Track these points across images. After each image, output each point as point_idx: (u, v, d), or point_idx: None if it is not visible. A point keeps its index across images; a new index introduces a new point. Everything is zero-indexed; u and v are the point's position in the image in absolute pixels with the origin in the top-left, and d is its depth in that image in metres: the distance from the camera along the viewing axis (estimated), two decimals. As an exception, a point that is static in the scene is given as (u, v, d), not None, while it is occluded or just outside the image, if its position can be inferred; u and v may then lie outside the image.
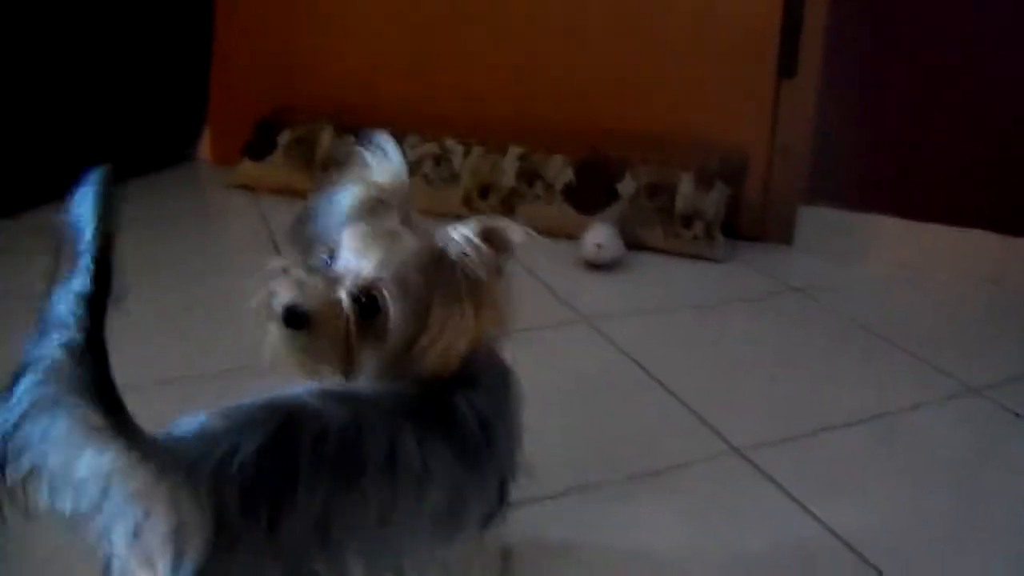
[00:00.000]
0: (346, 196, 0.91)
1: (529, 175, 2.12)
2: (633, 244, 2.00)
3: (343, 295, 0.82)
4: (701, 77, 2.09)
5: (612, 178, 2.08)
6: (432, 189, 2.18)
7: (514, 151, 2.16)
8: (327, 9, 2.39)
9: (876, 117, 2.01)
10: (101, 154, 2.25)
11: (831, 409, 1.41)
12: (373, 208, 0.90)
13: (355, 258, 0.84)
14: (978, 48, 1.91)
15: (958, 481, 1.25)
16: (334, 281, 0.82)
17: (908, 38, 1.96)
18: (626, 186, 2.06)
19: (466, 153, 2.18)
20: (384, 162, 0.94)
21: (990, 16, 1.89)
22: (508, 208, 2.12)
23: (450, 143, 2.20)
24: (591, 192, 2.08)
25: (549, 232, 2.04)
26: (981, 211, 1.97)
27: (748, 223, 2.11)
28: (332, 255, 0.85)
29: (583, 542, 1.10)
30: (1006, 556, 1.10)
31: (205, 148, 2.62)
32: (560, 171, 2.11)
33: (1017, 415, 1.41)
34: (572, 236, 1.97)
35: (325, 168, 2.27)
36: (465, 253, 0.84)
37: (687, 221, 2.01)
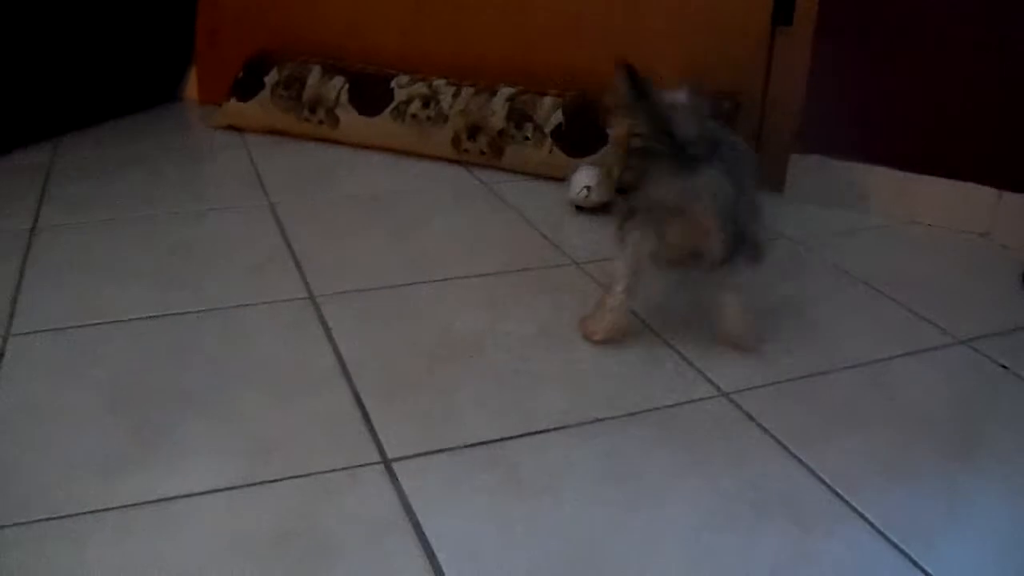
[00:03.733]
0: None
1: (519, 117, 2.09)
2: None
3: None
4: (695, 21, 2.06)
5: (601, 122, 2.04)
6: (420, 129, 2.15)
7: (504, 92, 2.12)
8: None
9: (870, 68, 1.98)
10: (86, 94, 2.24)
11: (819, 358, 1.40)
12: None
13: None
14: (975, 5, 1.89)
15: (945, 432, 1.24)
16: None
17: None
18: (616, 128, 2.02)
19: (455, 94, 2.14)
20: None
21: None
22: (497, 150, 2.10)
23: (439, 83, 2.17)
24: (581, 135, 2.05)
25: (539, 174, 2.05)
26: (974, 164, 1.95)
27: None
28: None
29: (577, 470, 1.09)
30: (992, 505, 1.09)
31: (192, 88, 2.58)
32: (550, 113, 2.08)
33: (1005, 367, 1.40)
34: (562, 179, 1.95)
35: (313, 108, 2.23)
36: None
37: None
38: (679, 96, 1.32)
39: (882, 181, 2.01)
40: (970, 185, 1.95)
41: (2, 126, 2.08)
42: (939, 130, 1.97)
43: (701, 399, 1.29)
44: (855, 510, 1.07)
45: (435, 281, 1.61)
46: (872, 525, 1.05)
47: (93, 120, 2.31)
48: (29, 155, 2.12)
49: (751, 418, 1.24)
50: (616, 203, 1.39)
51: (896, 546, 1.02)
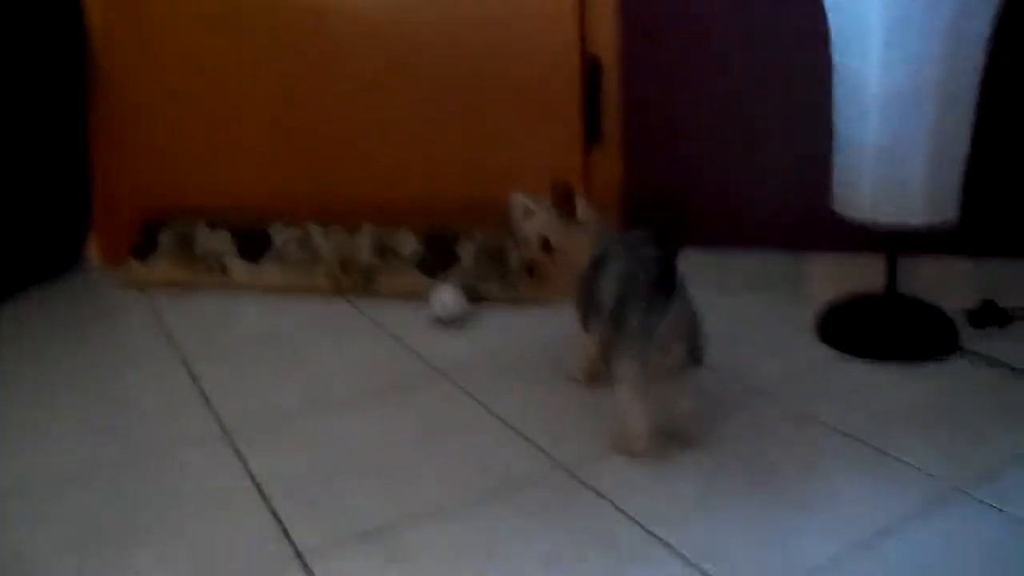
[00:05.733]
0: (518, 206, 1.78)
1: (382, 249, 2.45)
2: (476, 299, 2.34)
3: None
4: (521, 147, 2.46)
5: (453, 244, 2.42)
6: (299, 268, 2.49)
7: (367, 229, 2.49)
8: (194, 118, 2.69)
9: (678, 172, 2.40)
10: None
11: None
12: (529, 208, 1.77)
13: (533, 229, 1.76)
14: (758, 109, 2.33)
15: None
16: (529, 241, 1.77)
17: (701, 103, 2.36)
18: (465, 249, 2.40)
19: (325, 235, 2.50)
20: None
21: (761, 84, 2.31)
22: (368, 279, 2.45)
23: (311, 226, 2.52)
24: (437, 258, 2.41)
25: (405, 296, 2.41)
26: (788, 235, 2.36)
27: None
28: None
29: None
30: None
31: (93, 251, 2.87)
32: (409, 243, 2.44)
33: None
34: (425, 298, 2.32)
35: (205, 260, 2.56)
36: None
37: (520, 274, 2.36)
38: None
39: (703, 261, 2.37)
40: (777, 254, 2.36)
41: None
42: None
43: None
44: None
45: (332, 407, 1.91)
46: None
47: None
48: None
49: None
50: (601, 336, 1.65)
51: None
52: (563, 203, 1.73)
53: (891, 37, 1.85)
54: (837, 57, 1.98)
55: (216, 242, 2.56)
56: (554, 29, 2.39)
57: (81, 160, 2.76)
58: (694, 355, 1.59)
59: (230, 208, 2.65)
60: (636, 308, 1.53)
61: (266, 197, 2.64)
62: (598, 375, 1.81)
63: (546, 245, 1.75)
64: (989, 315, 2.12)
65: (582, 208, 1.75)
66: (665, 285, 1.52)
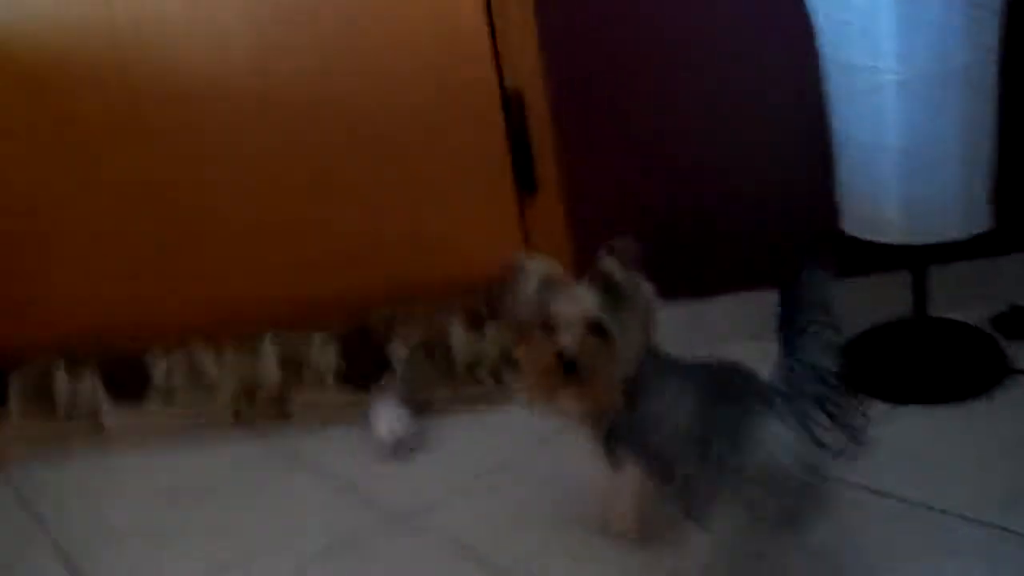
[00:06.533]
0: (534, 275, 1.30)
1: (293, 365, 1.98)
2: (422, 411, 1.89)
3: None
4: (443, 210, 2.01)
5: (381, 345, 1.96)
6: (192, 404, 2.00)
7: (268, 341, 2.01)
8: (37, 228, 2.15)
9: (631, 216, 2.00)
10: None
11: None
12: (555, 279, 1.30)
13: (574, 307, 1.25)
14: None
15: None
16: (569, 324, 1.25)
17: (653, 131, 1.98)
18: (398, 351, 1.95)
19: (218, 357, 2.01)
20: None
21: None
22: (280, 405, 1.98)
23: (197, 349, 2.03)
24: (363, 366, 1.96)
25: (330, 421, 1.93)
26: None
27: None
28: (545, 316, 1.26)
29: None
30: None
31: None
32: (324, 352, 1.98)
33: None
34: (357, 420, 1.85)
35: (70, 415, 2.05)
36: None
37: (471, 372, 1.93)
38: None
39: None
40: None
41: None
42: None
43: None
44: None
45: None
46: None
47: None
48: None
49: None
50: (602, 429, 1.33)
51: None
52: (620, 272, 1.28)
53: (906, 17, 1.51)
54: (829, 51, 1.65)
55: (82, 390, 2.05)
56: (462, 63, 1.95)
57: None
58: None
59: (89, 335, 2.12)
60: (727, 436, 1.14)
61: (133, 316, 2.12)
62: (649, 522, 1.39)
63: (596, 330, 1.27)
64: (1021, 322, 1.86)
65: (632, 281, 1.29)
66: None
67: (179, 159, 2.04)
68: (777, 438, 1.12)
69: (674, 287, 1.95)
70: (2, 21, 1.99)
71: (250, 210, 2.04)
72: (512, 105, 1.96)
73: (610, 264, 1.27)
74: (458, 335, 1.94)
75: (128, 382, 2.04)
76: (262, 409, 1.99)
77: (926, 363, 1.81)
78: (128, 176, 2.06)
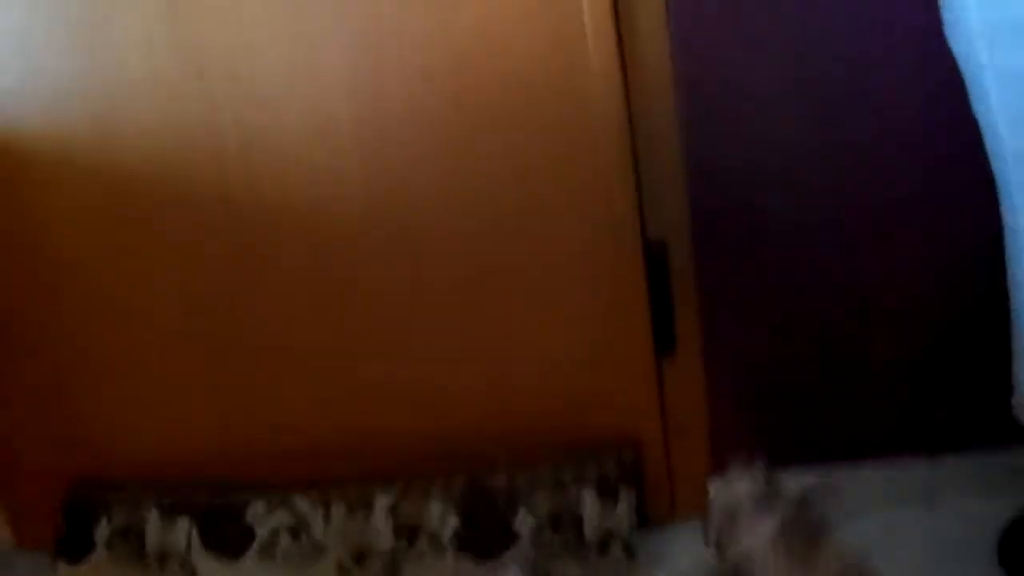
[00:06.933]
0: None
1: (408, 530, 1.83)
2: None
3: None
4: (575, 363, 1.85)
5: (505, 514, 1.81)
6: (297, 567, 1.86)
7: (382, 502, 1.85)
8: (108, 353, 2.00)
9: (770, 375, 1.83)
10: None
11: None
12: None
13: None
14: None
15: None
16: None
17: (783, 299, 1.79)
18: (524, 521, 1.79)
19: (326, 517, 1.86)
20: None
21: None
22: (393, 572, 1.82)
23: (303, 505, 1.88)
24: (485, 535, 1.81)
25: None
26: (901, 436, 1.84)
27: (655, 510, 1.89)
28: None
29: None
30: None
31: (5, 530, 2.18)
32: (442, 518, 1.82)
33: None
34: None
35: (162, 561, 1.90)
36: None
37: (602, 546, 1.78)
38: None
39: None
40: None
41: None
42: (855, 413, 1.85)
43: None
44: None
45: None
46: None
47: None
48: None
49: None
50: None
51: None
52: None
53: None
54: (1014, 219, 1.41)
55: (175, 537, 1.91)
56: (604, 209, 1.77)
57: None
58: None
59: (181, 478, 1.99)
60: None
61: (230, 459, 1.98)
62: None
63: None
64: None
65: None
66: None
67: (277, 297, 1.89)
68: None
69: (814, 451, 1.84)
70: (95, 128, 1.83)
71: (374, 364, 1.90)
72: (654, 256, 1.78)
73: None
74: (590, 505, 1.79)
75: (228, 537, 1.89)
76: (373, 575, 1.84)
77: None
78: (215, 294, 1.92)
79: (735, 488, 1.25)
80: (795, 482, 1.26)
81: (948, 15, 1.33)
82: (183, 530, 1.91)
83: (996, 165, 1.36)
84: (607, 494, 1.80)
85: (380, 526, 1.84)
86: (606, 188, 1.76)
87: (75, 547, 1.96)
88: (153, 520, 1.93)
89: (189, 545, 1.90)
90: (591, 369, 1.84)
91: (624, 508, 1.79)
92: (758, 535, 1.18)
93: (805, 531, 1.22)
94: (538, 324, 1.84)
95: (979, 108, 1.34)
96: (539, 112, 1.74)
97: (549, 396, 1.86)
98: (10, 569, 2.12)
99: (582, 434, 1.85)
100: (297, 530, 1.87)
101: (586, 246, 1.79)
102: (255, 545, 1.88)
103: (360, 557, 1.84)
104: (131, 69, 1.76)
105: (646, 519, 1.86)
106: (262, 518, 1.89)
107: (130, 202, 1.87)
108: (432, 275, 1.84)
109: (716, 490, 1.27)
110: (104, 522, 1.95)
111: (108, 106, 1.79)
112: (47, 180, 1.86)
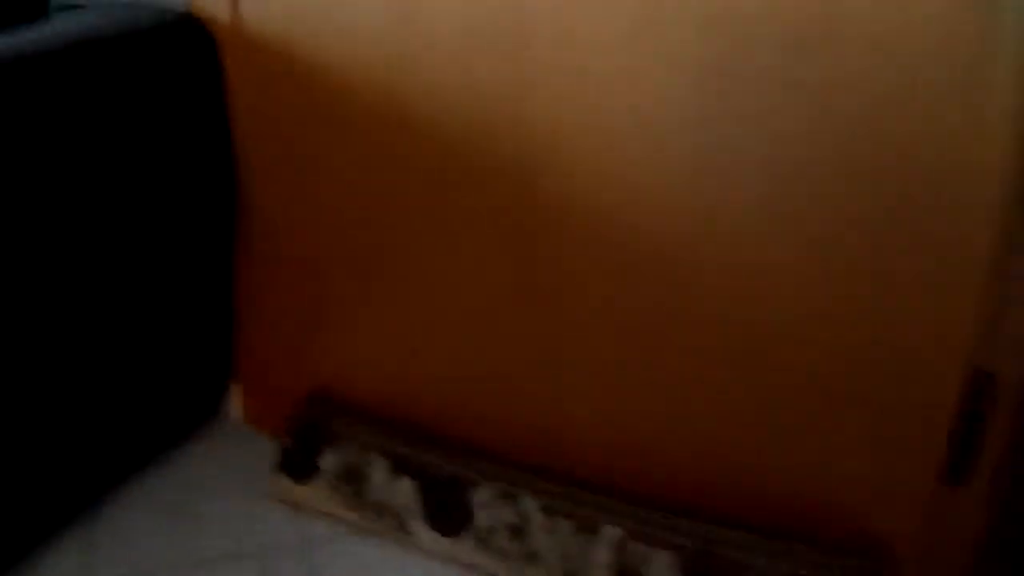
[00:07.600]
0: None
1: (625, 572, 1.76)
2: None
3: None
4: (843, 464, 1.71)
5: (728, 581, 1.73)
6: (507, 565, 1.83)
7: (609, 533, 1.79)
8: (365, 287, 1.99)
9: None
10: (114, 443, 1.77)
11: None
12: None
13: None
14: None
15: None
16: None
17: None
18: (747, 597, 1.71)
19: (550, 528, 1.82)
20: None
21: None
22: (598, 607, 1.78)
23: (529, 505, 1.84)
24: (702, 599, 1.73)
25: None
26: None
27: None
28: None
29: None
30: None
31: (236, 406, 2.25)
32: (662, 570, 1.75)
33: None
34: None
35: (379, 512, 1.92)
36: None
37: None
38: None
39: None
40: None
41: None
42: None
43: None
44: None
45: None
46: None
47: (127, 473, 2.03)
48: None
49: None
50: None
51: None
52: None
53: None
54: None
55: (397, 495, 1.91)
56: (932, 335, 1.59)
57: (224, 306, 2.14)
58: None
59: (402, 409, 2.00)
60: None
61: (461, 420, 1.95)
62: None
63: None
64: None
65: None
66: None
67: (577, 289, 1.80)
68: None
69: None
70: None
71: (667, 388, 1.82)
72: (976, 386, 1.59)
73: None
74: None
75: (447, 511, 1.88)
76: (578, 601, 1.80)
77: None
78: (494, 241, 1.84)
79: None
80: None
81: None
82: (407, 490, 1.91)
83: None
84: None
85: (600, 556, 1.78)
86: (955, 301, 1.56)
87: (299, 469, 2.00)
88: (379, 469, 1.94)
89: (408, 509, 1.90)
90: (858, 471, 1.70)
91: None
92: None
93: None
94: (834, 411, 1.69)
95: None
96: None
97: (811, 480, 1.73)
98: (235, 442, 2.20)
99: (827, 530, 1.73)
100: (517, 531, 1.83)
101: (905, 359, 1.61)
102: (472, 529, 1.85)
103: (570, 578, 1.80)
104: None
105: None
106: (487, 507, 1.86)
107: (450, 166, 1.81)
108: (751, 315, 1.70)
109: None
110: (329, 455, 1.97)
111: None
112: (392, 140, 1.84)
